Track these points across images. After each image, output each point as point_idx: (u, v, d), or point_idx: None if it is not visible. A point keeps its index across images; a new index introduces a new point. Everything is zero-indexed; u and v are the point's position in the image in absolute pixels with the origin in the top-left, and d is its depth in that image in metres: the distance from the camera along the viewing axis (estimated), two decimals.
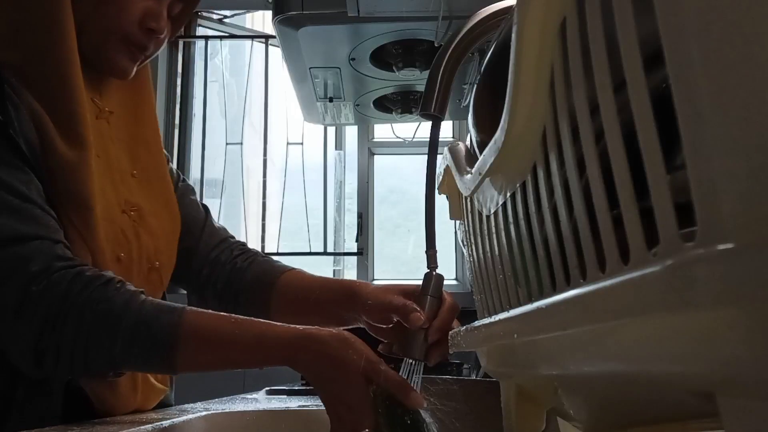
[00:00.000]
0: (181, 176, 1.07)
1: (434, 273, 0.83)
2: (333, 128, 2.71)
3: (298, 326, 0.74)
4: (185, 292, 1.04)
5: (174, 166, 1.07)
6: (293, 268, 1.00)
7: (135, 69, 0.89)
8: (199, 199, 1.08)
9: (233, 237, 1.06)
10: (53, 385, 0.79)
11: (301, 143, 2.75)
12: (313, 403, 1.00)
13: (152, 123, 0.96)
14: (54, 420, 0.78)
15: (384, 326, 0.87)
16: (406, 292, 0.86)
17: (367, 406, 0.69)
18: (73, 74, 0.81)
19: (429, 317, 0.79)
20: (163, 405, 0.97)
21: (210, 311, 0.78)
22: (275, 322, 0.77)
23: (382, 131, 2.74)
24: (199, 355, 0.74)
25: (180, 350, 0.72)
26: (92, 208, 0.79)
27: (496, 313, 0.43)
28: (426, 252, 0.81)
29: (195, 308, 0.76)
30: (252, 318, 0.77)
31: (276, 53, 2.72)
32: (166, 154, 1.03)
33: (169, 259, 0.93)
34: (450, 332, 0.64)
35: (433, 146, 0.76)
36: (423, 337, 0.79)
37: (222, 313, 0.78)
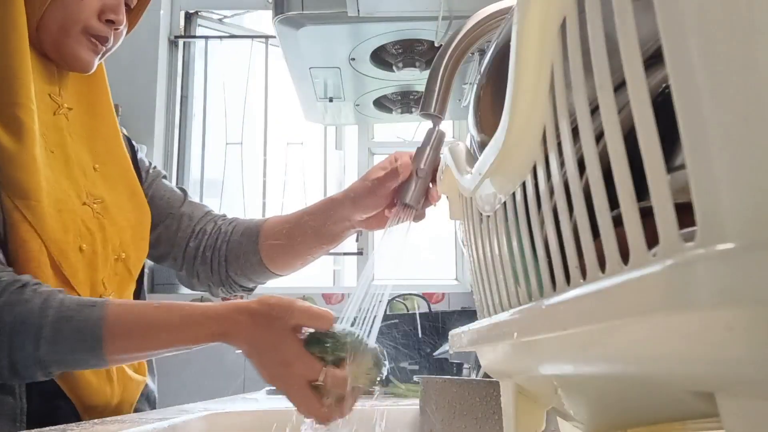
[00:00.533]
0: (152, 164, 1.07)
1: (436, 129, 0.83)
2: (333, 128, 2.71)
3: (225, 302, 0.75)
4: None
5: (144, 156, 1.07)
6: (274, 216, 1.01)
7: (96, 62, 0.90)
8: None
9: (215, 211, 1.07)
10: (14, 385, 0.79)
11: (301, 143, 2.75)
12: None
13: (110, 117, 0.97)
14: (21, 418, 0.78)
15: (374, 213, 0.89)
16: (381, 166, 0.88)
17: (304, 357, 0.70)
18: (17, 67, 0.81)
19: (429, 168, 0.80)
20: (148, 397, 0.97)
21: (133, 301, 0.79)
22: (202, 304, 0.78)
23: (382, 131, 2.74)
24: (127, 342, 0.74)
25: (107, 341, 0.72)
26: (39, 200, 0.79)
27: (496, 313, 0.43)
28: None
29: (117, 299, 0.77)
30: (178, 302, 0.77)
31: (276, 53, 2.72)
32: (136, 145, 1.04)
33: (136, 251, 0.93)
34: (450, 332, 0.64)
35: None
36: (419, 184, 0.80)
37: (146, 301, 0.79)
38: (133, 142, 1.05)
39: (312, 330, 0.73)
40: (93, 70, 0.90)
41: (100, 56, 0.90)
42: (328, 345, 0.71)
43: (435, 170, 0.82)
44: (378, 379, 0.75)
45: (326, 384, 0.71)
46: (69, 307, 0.73)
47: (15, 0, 0.82)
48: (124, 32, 0.91)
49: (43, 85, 0.86)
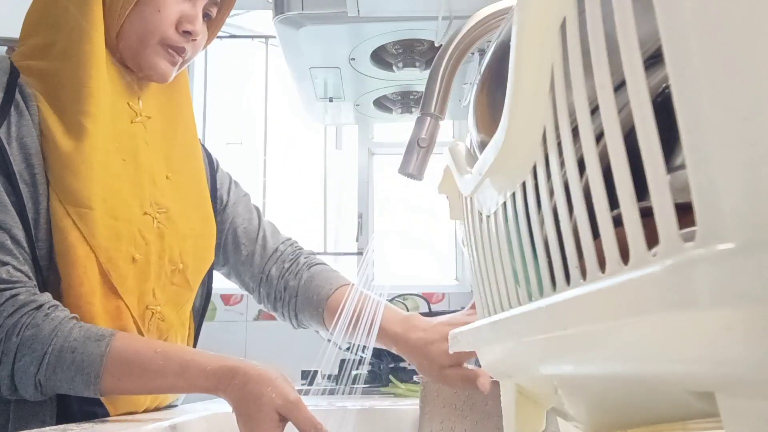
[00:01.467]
0: (233, 180, 1.09)
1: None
2: (333, 128, 2.71)
3: (224, 357, 0.77)
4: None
5: (225, 169, 1.09)
6: (340, 285, 1.00)
7: (174, 73, 0.91)
8: None
9: (286, 241, 1.08)
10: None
11: (301, 143, 2.75)
12: (312, 403, 1.00)
13: (190, 127, 0.99)
14: (50, 424, 0.79)
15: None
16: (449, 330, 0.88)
17: None
18: (88, 77, 0.83)
19: (430, 137, 0.80)
20: (171, 407, 0.98)
21: (139, 338, 0.81)
22: (204, 351, 0.80)
23: (382, 131, 2.74)
24: (123, 383, 0.76)
25: (104, 378, 0.74)
26: (92, 208, 0.80)
27: (496, 313, 0.43)
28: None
29: (124, 334, 0.78)
30: (180, 346, 0.81)
31: (276, 53, 2.72)
32: (215, 160, 1.06)
33: (197, 261, 0.94)
34: (450, 332, 0.64)
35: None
36: (421, 153, 0.80)
37: (149, 340, 0.81)
38: (213, 157, 1.06)
39: None
40: (170, 80, 0.91)
41: (178, 67, 0.90)
42: None
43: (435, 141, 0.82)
44: None
45: None
46: (75, 338, 0.75)
47: (93, 10, 0.84)
48: (203, 43, 0.92)
49: (122, 93, 0.88)
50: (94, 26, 0.84)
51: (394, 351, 0.92)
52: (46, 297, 0.77)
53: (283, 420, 0.73)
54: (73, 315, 0.77)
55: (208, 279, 0.99)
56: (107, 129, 0.84)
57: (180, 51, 0.88)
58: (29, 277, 0.77)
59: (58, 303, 0.77)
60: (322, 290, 1.00)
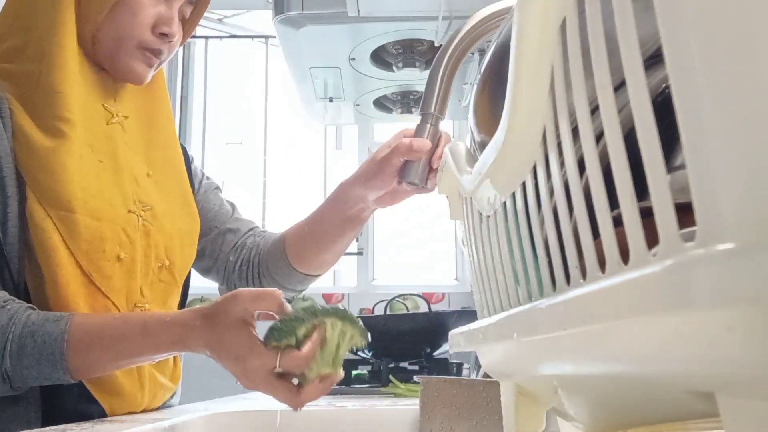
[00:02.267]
0: (205, 174, 1.11)
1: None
2: (333, 128, 2.71)
3: (185, 309, 0.77)
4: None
5: (197, 166, 1.11)
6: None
7: (151, 74, 0.91)
8: None
9: (258, 227, 1.12)
10: (27, 393, 0.79)
11: (301, 143, 2.75)
12: (314, 403, 1.00)
13: (168, 126, 0.99)
14: (35, 425, 0.79)
15: (385, 191, 0.93)
16: (387, 144, 0.93)
17: (255, 348, 0.70)
18: (60, 81, 0.82)
19: (432, 145, 0.82)
20: (167, 406, 0.97)
21: (98, 314, 0.80)
22: (164, 312, 0.79)
23: (382, 131, 2.74)
24: (89, 356, 0.75)
25: (69, 355, 0.73)
26: (72, 210, 0.80)
27: (496, 313, 0.43)
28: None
29: (82, 313, 0.77)
30: (139, 312, 0.79)
31: (276, 53, 2.72)
32: (190, 155, 1.07)
33: (182, 258, 0.95)
34: (450, 332, 0.64)
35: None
36: (422, 161, 0.82)
37: (108, 313, 0.80)
38: (188, 151, 1.07)
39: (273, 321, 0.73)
40: (147, 82, 0.91)
41: (154, 68, 0.91)
42: (276, 330, 0.71)
43: (436, 146, 0.83)
44: (360, 336, 0.75)
45: (286, 369, 0.71)
46: (34, 322, 0.74)
47: (64, 13, 0.84)
48: (178, 44, 0.92)
49: (97, 95, 0.88)
50: (66, 29, 0.83)
51: (367, 196, 0.96)
52: (2, 293, 0.76)
53: (249, 324, 0.72)
54: (30, 305, 0.77)
55: (187, 275, 1.00)
56: (81, 132, 0.83)
57: (157, 53, 0.88)
58: None
59: (13, 297, 0.77)
60: (275, 235, 1.07)
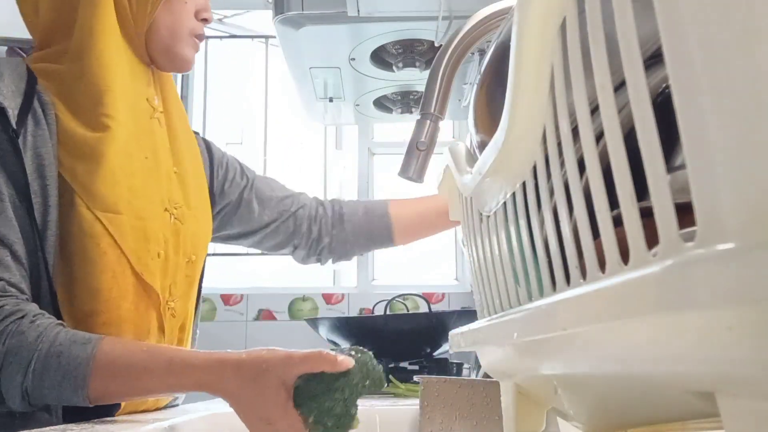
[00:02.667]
0: (243, 167, 1.19)
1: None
2: (333, 128, 2.71)
3: (211, 352, 0.74)
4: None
5: (227, 157, 1.17)
6: (384, 201, 1.22)
7: None
8: None
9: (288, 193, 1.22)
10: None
11: (301, 143, 2.75)
12: None
13: (185, 118, 1.00)
14: (56, 419, 0.79)
15: None
16: None
17: (288, 416, 0.67)
18: (111, 79, 0.83)
19: (429, 140, 0.81)
20: (171, 406, 0.98)
21: (127, 340, 0.78)
22: (190, 350, 0.78)
23: (382, 131, 2.74)
24: (110, 386, 0.73)
25: (91, 382, 0.72)
26: (119, 212, 0.80)
27: (496, 313, 0.43)
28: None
29: (110, 338, 0.75)
30: (166, 345, 0.79)
31: (276, 53, 2.72)
32: (205, 140, 1.10)
33: (203, 252, 0.97)
34: (450, 332, 0.64)
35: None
36: (421, 157, 0.82)
37: (136, 342, 0.79)
38: (211, 144, 1.11)
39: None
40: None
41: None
42: (315, 404, 0.68)
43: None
44: (376, 386, 0.73)
45: None
46: (61, 343, 0.72)
47: (106, 11, 0.84)
48: None
49: (142, 90, 0.89)
50: (109, 26, 0.84)
51: None
52: (32, 306, 0.75)
53: (287, 389, 0.68)
54: (59, 322, 0.75)
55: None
56: (129, 129, 0.84)
57: (201, 38, 0.93)
58: (22, 291, 0.76)
59: (44, 312, 0.75)
60: (376, 210, 1.19)
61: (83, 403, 0.73)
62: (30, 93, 0.80)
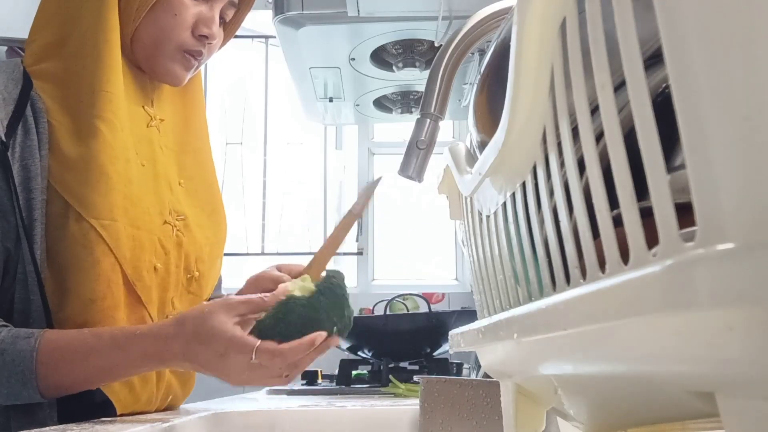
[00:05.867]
0: None
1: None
2: (333, 128, 2.71)
3: (161, 321, 0.75)
4: None
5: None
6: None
7: (189, 76, 0.89)
8: None
9: None
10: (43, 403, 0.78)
11: (301, 143, 2.75)
12: (314, 403, 1.00)
13: (202, 130, 0.97)
14: (51, 420, 0.78)
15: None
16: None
17: (234, 340, 0.70)
18: (105, 81, 0.80)
19: (429, 139, 0.80)
20: (171, 409, 0.97)
21: (67, 330, 0.76)
22: (135, 326, 0.77)
23: (382, 131, 2.74)
24: (60, 373, 0.72)
25: (39, 372, 0.71)
26: (115, 219, 0.78)
27: (496, 313, 0.43)
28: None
29: (55, 330, 0.74)
30: (111, 327, 0.76)
31: (276, 53, 2.72)
32: None
33: (210, 269, 0.93)
34: (450, 332, 0.64)
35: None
36: (420, 156, 0.81)
37: (82, 329, 0.76)
38: None
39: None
40: (184, 84, 0.89)
41: (193, 70, 0.88)
42: (265, 321, 0.72)
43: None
44: (347, 314, 0.76)
45: (261, 361, 0.70)
46: (4, 340, 0.71)
47: (109, 10, 0.81)
48: (218, 46, 0.90)
49: (137, 96, 0.85)
50: (111, 27, 0.81)
51: None
52: None
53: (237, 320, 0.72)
54: (4, 323, 0.74)
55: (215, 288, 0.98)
56: (125, 135, 0.81)
57: (196, 55, 0.86)
58: None
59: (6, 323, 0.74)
60: None
61: (36, 398, 0.72)
62: (23, 100, 0.78)
